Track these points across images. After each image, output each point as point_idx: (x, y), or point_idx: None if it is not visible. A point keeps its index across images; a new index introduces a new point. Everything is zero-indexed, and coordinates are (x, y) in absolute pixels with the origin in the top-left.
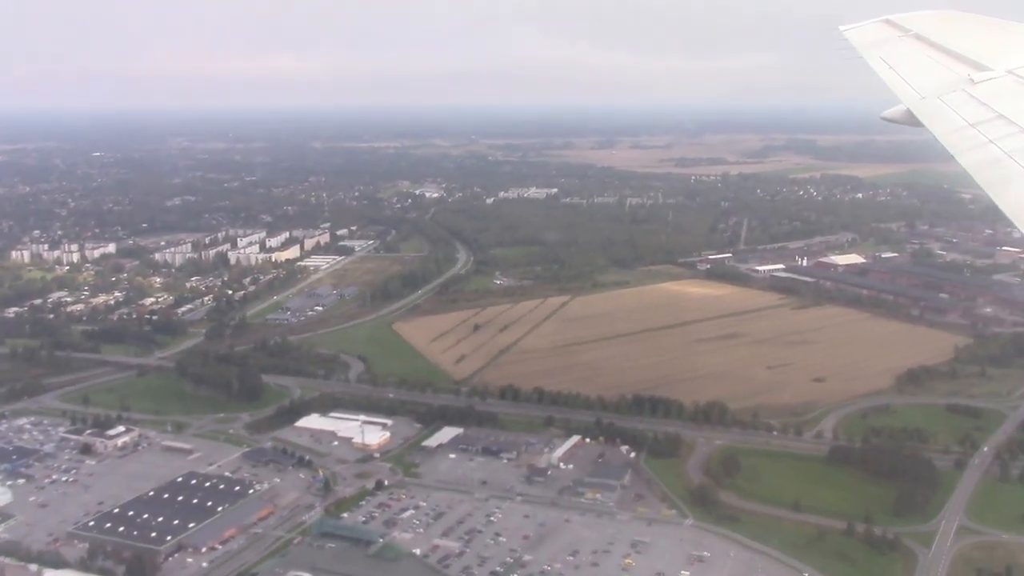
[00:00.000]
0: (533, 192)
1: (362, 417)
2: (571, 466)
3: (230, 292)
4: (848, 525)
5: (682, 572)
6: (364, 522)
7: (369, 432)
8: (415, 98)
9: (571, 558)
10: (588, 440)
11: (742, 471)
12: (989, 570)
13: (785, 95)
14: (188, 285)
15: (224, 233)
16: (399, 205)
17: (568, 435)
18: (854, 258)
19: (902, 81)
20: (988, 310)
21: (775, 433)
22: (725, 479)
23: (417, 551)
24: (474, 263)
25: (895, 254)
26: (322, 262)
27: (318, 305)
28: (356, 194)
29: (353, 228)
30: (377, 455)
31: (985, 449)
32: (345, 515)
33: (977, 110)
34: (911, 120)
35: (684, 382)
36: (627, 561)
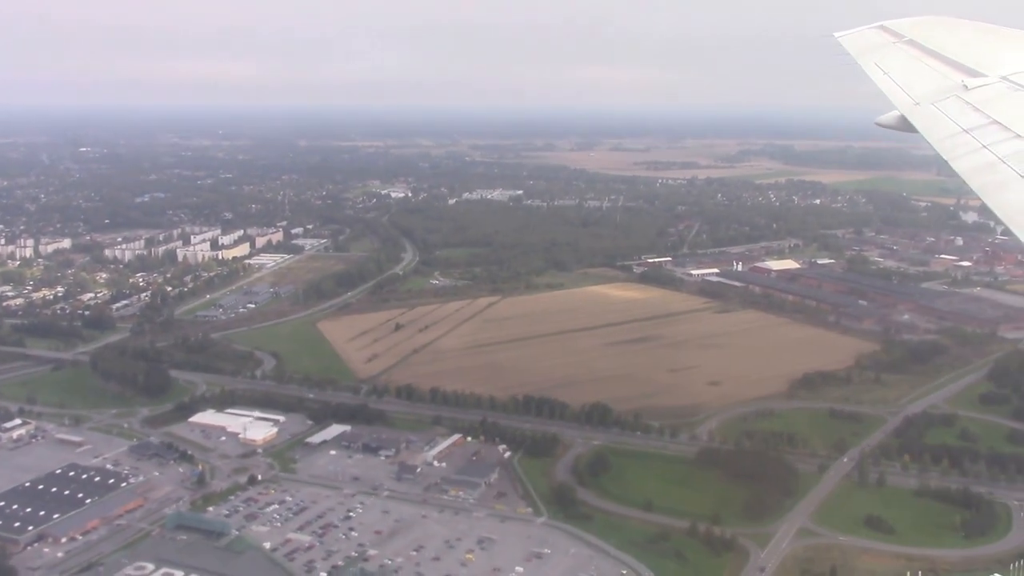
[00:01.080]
0: (498, 194)
1: (256, 413)
2: (444, 464)
3: (169, 289)
4: (692, 525)
5: (517, 568)
6: (227, 516)
7: (257, 428)
8: (418, 99)
9: (415, 553)
10: (469, 439)
11: (609, 471)
12: (814, 571)
13: (785, 99)
14: (131, 281)
15: (180, 230)
16: (362, 204)
17: (454, 434)
18: (789, 264)
19: (896, 87)
20: (905, 317)
21: (653, 435)
22: (590, 479)
23: (268, 544)
24: (418, 263)
25: (831, 260)
26: (269, 260)
27: (250, 303)
28: (323, 193)
29: (309, 227)
30: (260, 451)
31: (845, 459)
32: (211, 508)
33: (971, 116)
34: (905, 126)
35: (584, 384)
36: (468, 556)
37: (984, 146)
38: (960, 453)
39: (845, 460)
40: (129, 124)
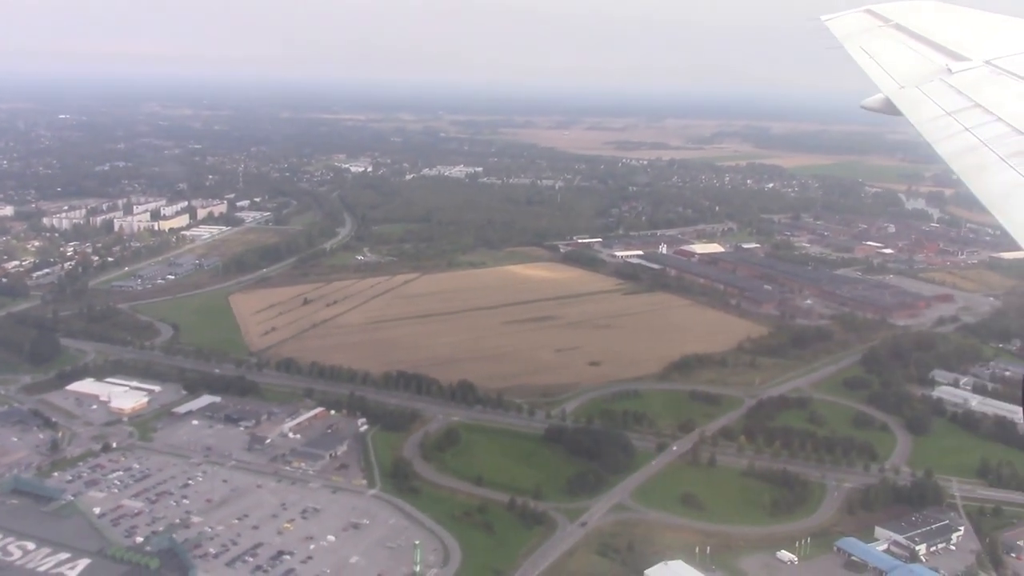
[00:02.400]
0: (458, 170)
1: (133, 383)
2: (299, 436)
3: (95, 258)
4: (511, 499)
5: (329, 537)
6: (70, 481)
7: (126, 397)
8: (414, 73)
9: (237, 521)
10: (333, 412)
11: (457, 446)
12: (613, 545)
13: (776, 81)
14: (61, 250)
15: (126, 200)
16: (318, 178)
17: (318, 407)
18: (714, 247)
19: (882, 70)
20: (807, 302)
21: (513, 412)
22: (435, 453)
23: (98, 510)
24: (352, 238)
25: (756, 245)
26: (206, 232)
27: (171, 274)
28: (284, 166)
29: (257, 199)
30: (125, 419)
31: (675, 446)
32: (56, 474)
33: (955, 99)
34: (890, 109)
35: (467, 361)
36: (286, 525)
37: (967, 129)
38: (796, 435)
39: (675, 447)
40: (118, 92)
